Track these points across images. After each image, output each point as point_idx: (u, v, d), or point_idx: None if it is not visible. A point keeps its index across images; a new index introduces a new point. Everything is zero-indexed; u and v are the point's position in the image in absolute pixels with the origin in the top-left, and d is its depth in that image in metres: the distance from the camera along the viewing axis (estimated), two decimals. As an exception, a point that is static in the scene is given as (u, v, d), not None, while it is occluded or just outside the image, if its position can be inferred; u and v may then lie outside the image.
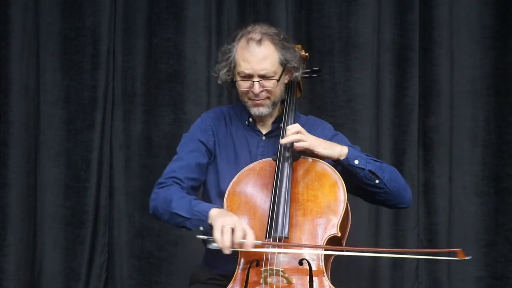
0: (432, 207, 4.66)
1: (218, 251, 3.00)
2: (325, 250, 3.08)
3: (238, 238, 2.98)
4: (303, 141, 3.20)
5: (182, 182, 3.32)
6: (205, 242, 3.04)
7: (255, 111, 3.37)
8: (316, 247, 3.08)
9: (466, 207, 4.63)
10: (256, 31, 3.32)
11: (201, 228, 3.12)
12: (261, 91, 3.31)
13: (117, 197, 4.75)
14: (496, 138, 4.62)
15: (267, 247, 3.05)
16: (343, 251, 3.11)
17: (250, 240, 2.99)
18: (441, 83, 4.66)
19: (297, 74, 3.40)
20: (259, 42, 3.29)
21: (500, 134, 4.62)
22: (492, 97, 4.63)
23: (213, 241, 2.99)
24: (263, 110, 3.36)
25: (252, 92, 3.32)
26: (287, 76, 3.39)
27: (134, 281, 4.73)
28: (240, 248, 3.00)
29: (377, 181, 3.25)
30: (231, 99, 4.64)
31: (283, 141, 3.23)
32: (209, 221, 3.08)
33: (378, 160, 3.32)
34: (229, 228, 2.98)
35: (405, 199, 3.36)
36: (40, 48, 4.72)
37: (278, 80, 3.32)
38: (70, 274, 4.72)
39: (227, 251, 2.99)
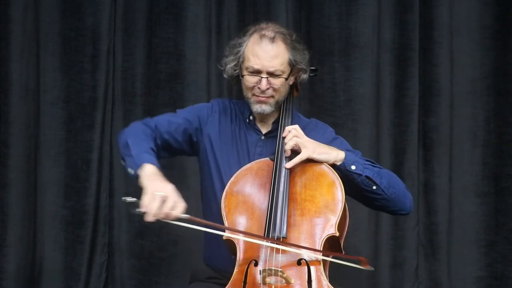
0: (432, 207, 4.66)
1: (141, 217, 2.93)
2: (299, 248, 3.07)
3: (167, 208, 2.92)
4: (296, 150, 3.22)
5: (158, 133, 3.35)
6: (129, 205, 2.94)
7: (257, 108, 3.37)
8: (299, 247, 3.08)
9: (466, 207, 4.63)
10: (270, 29, 3.33)
11: (131, 171, 3.11)
12: (268, 88, 3.32)
13: (117, 197, 4.74)
14: (496, 138, 4.62)
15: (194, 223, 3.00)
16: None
17: (178, 211, 2.93)
18: (441, 83, 4.66)
19: (304, 76, 3.42)
20: (272, 39, 3.30)
21: (500, 134, 4.62)
22: (492, 97, 4.63)
23: (139, 205, 2.91)
24: (265, 108, 3.36)
25: (259, 88, 3.32)
26: (293, 78, 3.40)
27: (134, 281, 4.73)
28: (165, 218, 2.93)
29: (374, 187, 3.24)
30: (231, 99, 4.64)
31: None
32: (139, 172, 3.05)
33: (377, 166, 3.31)
34: (160, 195, 2.93)
35: (405, 205, 3.34)
36: (40, 48, 4.72)
37: (286, 79, 3.33)
38: (70, 274, 4.72)
39: (150, 219, 2.92)
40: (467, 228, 4.63)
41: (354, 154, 3.35)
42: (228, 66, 3.39)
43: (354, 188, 3.25)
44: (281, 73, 3.31)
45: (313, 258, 3.07)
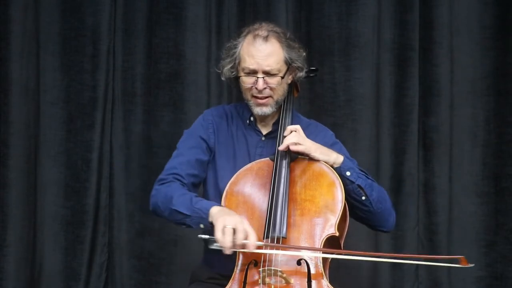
0: (432, 207, 4.66)
1: (220, 251, 2.99)
2: (324, 253, 3.07)
3: (239, 239, 2.96)
4: (300, 144, 3.21)
5: (183, 179, 3.31)
6: (206, 242, 3.01)
7: (258, 110, 3.36)
8: (316, 249, 3.07)
9: (466, 207, 4.63)
10: (263, 28, 3.33)
11: (202, 226, 3.11)
12: (265, 88, 3.32)
13: (117, 197, 4.75)
14: (496, 138, 4.62)
15: (269, 249, 3.05)
16: (341, 254, 3.11)
17: (252, 241, 2.98)
18: (441, 83, 4.65)
19: (301, 75, 3.41)
20: (266, 38, 3.29)
21: (500, 134, 4.61)
22: (492, 97, 4.63)
23: (214, 241, 2.98)
24: (266, 110, 3.36)
25: (256, 88, 3.32)
26: (290, 76, 3.39)
27: (134, 281, 4.73)
28: (242, 249, 2.99)
29: (363, 198, 3.24)
30: (231, 99, 4.65)
31: (281, 147, 3.23)
32: (210, 219, 3.06)
33: (371, 178, 3.31)
34: (231, 228, 2.96)
35: (387, 223, 3.36)
36: (40, 48, 4.72)
37: (282, 78, 3.32)
38: (70, 274, 4.72)
39: (228, 252, 2.97)
40: (467, 228, 4.63)
41: (351, 162, 3.35)
42: (225, 68, 3.39)
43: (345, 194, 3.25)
44: (277, 72, 3.31)
45: (313, 258, 3.07)
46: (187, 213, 3.14)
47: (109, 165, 4.76)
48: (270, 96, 3.33)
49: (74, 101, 4.74)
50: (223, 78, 3.42)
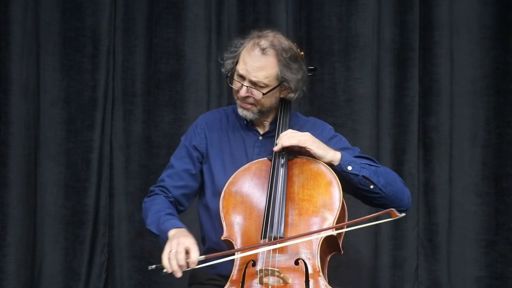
0: (432, 207, 4.66)
1: (172, 275, 3.05)
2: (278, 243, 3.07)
3: (180, 260, 3.02)
4: (292, 138, 3.23)
5: (168, 192, 3.43)
6: (157, 271, 3.07)
7: (240, 112, 3.40)
8: (270, 244, 3.08)
9: (466, 207, 4.63)
10: (267, 39, 3.31)
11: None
12: (248, 97, 3.32)
13: (117, 197, 4.75)
14: (496, 138, 4.61)
15: (211, 260, 3.10)
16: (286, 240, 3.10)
17: (192, 258, 3.02)
18: (441, 83, 4.65)
19: (292, 96, 3.39)
20: (263, 51, 3.28)
21: (500, 134, 4.61)
22: (492, 97, 4.62)
23: (163, 267, 3.04)
24: (247, 114, 3.38)
25: (239, 94, 3.33)
26: (283, 92, 3.38)
27: (134, 281, 4.73)
28: (188, 268, 3.04)
29: (371, 186, 3.25)
30: (231, 99, 4.63)
31: (275, 148, 3.24)
32: None
33: (374, 164, 3.31)
34: (174, 252, 3.02)
35: (403, 202, 3.35)
36: (40, 48, 4.72)
37: (264, 94, 3.31)
38: (70, 274, 4.72)
39: (179, 274, 3.04)
40: (467, 228, 4.63)
41: (353, 151, 3.36)
42: (227, 62, 3.41)
43: (352, 187, 3.25)
44: (263, 86, 3.30)
45: (311, 257, 3.07)
46: (156, 233, 3.26)
47: (109, 165, 4.76)
48: (253, 104, 3.34)
49: (74, 101, 4.74)
50: (223, 70, 3.43)
